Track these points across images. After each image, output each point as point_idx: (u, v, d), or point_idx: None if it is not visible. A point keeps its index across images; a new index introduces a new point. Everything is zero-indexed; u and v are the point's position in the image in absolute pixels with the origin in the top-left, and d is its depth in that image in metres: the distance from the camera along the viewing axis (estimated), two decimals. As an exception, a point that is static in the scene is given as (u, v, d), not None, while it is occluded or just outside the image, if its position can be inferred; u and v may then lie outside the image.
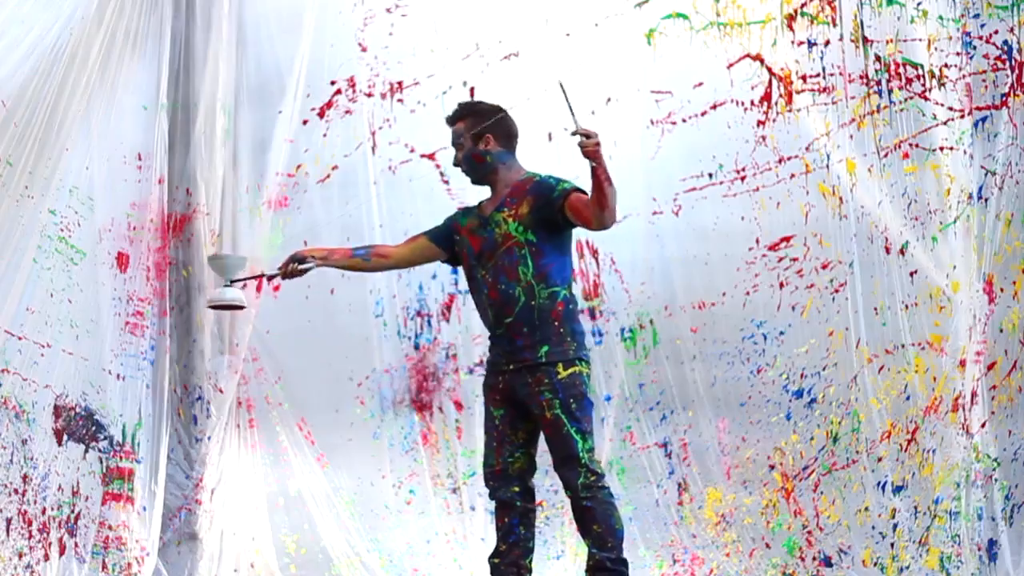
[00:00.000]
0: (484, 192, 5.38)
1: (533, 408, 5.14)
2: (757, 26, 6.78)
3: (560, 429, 5.08)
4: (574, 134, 4.90)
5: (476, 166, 5.31)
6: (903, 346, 6.59)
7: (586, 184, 5.07)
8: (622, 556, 5.11)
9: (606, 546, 5.09)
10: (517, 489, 5.25)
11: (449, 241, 5.40)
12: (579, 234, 6.56)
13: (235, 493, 7.06)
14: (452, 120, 5.37)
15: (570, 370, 5.12)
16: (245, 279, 5.58)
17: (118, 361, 6.71)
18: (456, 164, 5.38)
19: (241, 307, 5.65)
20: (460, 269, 5.51)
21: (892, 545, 6.53)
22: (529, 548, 5.29)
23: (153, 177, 6.88)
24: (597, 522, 5.08)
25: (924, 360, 6.57)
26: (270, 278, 5.54)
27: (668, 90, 6.87)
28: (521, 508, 5.25)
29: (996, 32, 6.51)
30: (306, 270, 5.38)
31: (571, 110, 4.94)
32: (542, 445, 5.28)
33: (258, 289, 6.93)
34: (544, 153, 6.78)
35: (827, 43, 6.69)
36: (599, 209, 4.98)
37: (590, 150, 4.89)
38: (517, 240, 5.17)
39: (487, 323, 5.30)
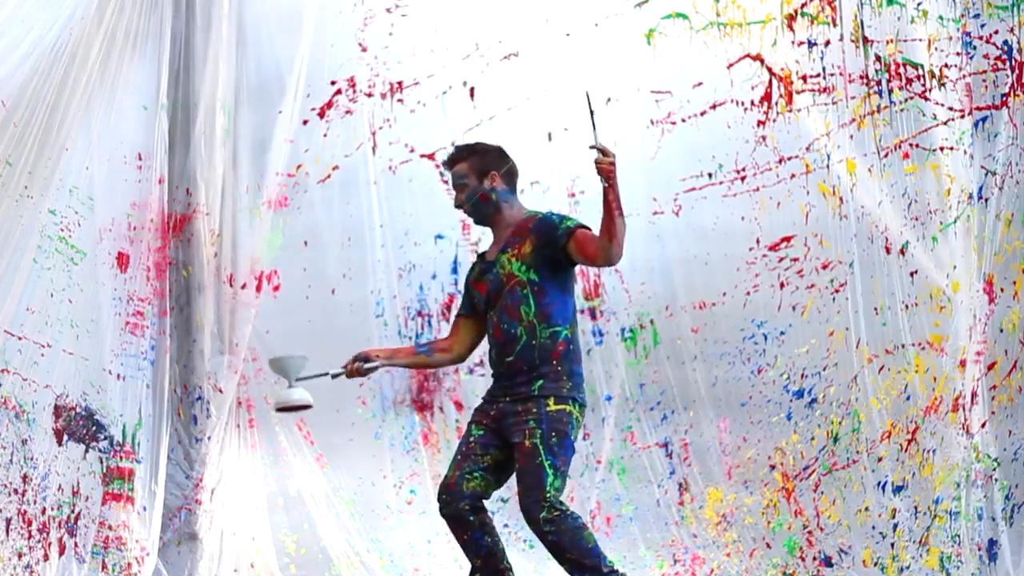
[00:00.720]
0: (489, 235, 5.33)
1: (515, 436, 5.04)
2: (757, 26, 6.78)
3: (534, 458, 4.97)
4: (592, 147, 4.86)
5: (481, 205, 5.22)
6: (903, 346, 6.59)
7: (587, 218, 5.03)
8: (603, 570, 4.96)
9: (585, 568, 4.95)
10: (467, 507, 5.10)
11: (475, 304, 5.36)
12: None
13: (235, 493, 7.05)
14: (452, 162, 5.28)
15: (560, 406, 5.04)
16: (309, 377, 5.40)
17: (118, 361, 6.70)
18: (458, 206, 5.27)
19: (310, 407, 5.46)
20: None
21: (892, 545, 6.54)
22: (501, 550, 5.17)
23: (153, 177, 6.87)
24: (568, 551, 4.95)
25: (924, 360, 6.57)
26: (334, 376, 5.39)
27: (668, 90, 6.87)
28: (476, 521, 5.11)
29: (996, 32, 6.51)
30: (372, 369, 5.31)
31: (593, 123, 4.86)
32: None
33: (258, 289, 6.94)
34: (544, 153, 6.80)
35: (827, 43, 6.69)
36: (607, 239, 4.91)
37: (604, 167, 4.82)
38: (519, 280, 5.11)
39: (491, 361, 5.23)
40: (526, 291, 5.11)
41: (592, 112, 4.90)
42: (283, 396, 5.39)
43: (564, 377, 5.08)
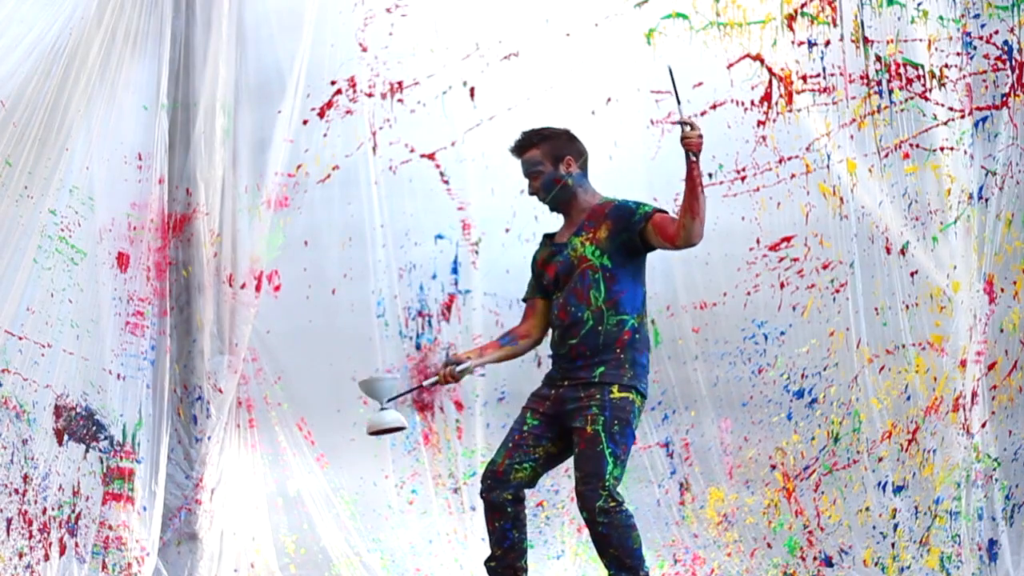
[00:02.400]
0: (555, 220, 5.30)
1: (576, 421, 5.02)
2: (757, 26, 6.78)
3: (595, 445, 4.97)
4: (677, 123, 4.84)
5: (558, 191, 5.17)
6: (904, 346, 6.60)
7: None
8: (641, 574, 5.01)
9: (624, 566, 4.97)
10: (510, 496, 5.11)
11: (544, 286, 5.30)
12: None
13: (235, 493, 7.05)
14: (522, 149, 5.22)
15: (623, 394, 5.02)
16: (401, 395, 5.33)
17: (118, 361, 6.69)
18: (533, 193, 5.21)
19: (404, 428, 5.33)
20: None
21: (893, 545, 6.54)
22: (523, 549, 5.21)
23: (153, 177, 6.87)
24: (613, 546, 4.98)
25: (925, 360, 6.58)
26: (427, 388, 5.27)
27: (668, 90, 6.85)
28: (512, 513, 5.13)
29: (996, 32, 6.52)
30: (464, 372, 5.22)
31: (677, 98, 4.85)
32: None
33: (258, 289, 6.94)
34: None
35: (827, 43, 6.69)
36: (690, 217, 4.86)
37: (693, 142, 4.81)
38: (592, 264, 5.07)
39: (552, 343, 5.19)
40: (597, 276, 5.07)
41: (676, 88, 4.86)
42: (375, 419, 5.21)
43: (626, 365, 5.05)
